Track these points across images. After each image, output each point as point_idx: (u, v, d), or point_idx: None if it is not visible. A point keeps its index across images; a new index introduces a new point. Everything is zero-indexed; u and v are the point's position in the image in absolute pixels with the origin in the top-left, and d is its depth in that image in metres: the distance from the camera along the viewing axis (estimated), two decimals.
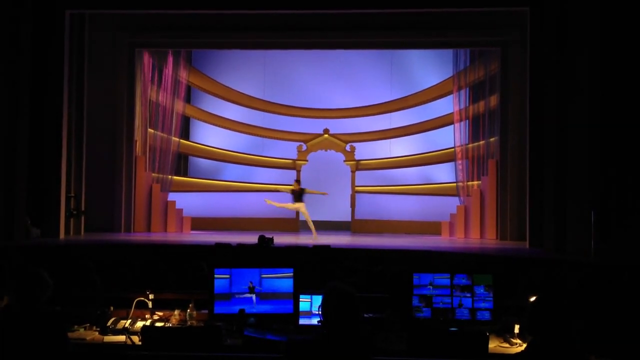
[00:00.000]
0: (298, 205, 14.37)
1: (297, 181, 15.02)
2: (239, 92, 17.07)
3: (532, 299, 3.65)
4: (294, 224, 16.30)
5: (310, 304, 4.91)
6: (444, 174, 16.75)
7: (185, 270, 7.46)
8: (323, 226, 16.73)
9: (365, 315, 4.76)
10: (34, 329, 3.94)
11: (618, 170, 9.88)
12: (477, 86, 15.35)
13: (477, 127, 15.22)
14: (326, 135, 16.94)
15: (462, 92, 15.49)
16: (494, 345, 4.56)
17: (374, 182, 16.79)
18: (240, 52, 17.03)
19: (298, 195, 14.32)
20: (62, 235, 12.45)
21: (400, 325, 4.83)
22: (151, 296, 5.15)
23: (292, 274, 5.04)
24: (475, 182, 15.12)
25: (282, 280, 5.03)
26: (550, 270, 8.84)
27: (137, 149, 14.96)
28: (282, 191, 15.00)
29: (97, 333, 4.76)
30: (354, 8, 12.68)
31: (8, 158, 11.33)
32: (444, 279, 4.91)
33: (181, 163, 17.18)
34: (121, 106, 14.45)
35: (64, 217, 12.68)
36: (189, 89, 16.87)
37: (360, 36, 14.27)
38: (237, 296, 4.97)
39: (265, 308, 4.98)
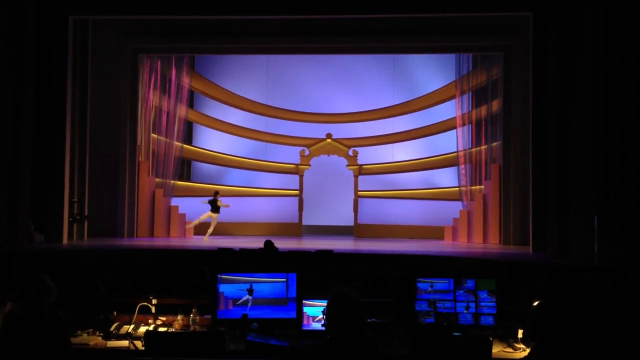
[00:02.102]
0: (214, 214, 14.95)
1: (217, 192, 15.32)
2: (241, 97, 17.12)
3: (535, 304, 3.64)
4: (297, 228, 16.31)
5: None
6: (446, 178, 16.75)
7: (188, 275, 7.45)
8: (326, 231, 16.76)
9: (369, 320, 4.75)
10: (37, 335, 3.94)
11: (621, 175, 9.87)
12: (479, 91, 15.36)
13: (479, 131, 15.22)
14: (329, 140, 16.95)
15: (465, 96, 15.51)
16: (498, 350, 4.55)
17: (377, 187, 16.80)
18: (242, 57, 17.08)
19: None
20: (65, 241, 12.45)
21: (403, 330, 4.82)
22: (154, 301, 5.15)
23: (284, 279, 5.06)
24: (478, 187, 15.10)
25: (280, 285, 5.03)
26: (553, 275, 8.83)
27: (140, 154, 14.97)
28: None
29: (100, 338, 4.76)
30: (356, 14, 12.68)
31: (11, 163, 11.35)
32: (447, 284, 4.91)
33: (184, 168, 17.20)
34: (124, 111, 14.47)
35: (67, 222, 12.68)
36: (191, 94, 16.92)
37: (363, 41, 14.27)
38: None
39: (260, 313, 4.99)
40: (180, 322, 5.02)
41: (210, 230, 14.83)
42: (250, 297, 4.99)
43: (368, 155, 16.95)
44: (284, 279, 5.06)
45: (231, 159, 17.19)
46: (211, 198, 15.00)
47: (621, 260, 9.15)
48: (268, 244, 10.72)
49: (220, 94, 17.01)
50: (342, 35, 14.03)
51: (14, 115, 11.42)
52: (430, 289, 4.91)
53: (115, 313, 5.04)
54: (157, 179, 15.43)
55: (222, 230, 15.88)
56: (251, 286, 5.01)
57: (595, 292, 5.26)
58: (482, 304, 4.86)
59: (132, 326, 4.92)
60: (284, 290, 5.04)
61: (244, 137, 17.32)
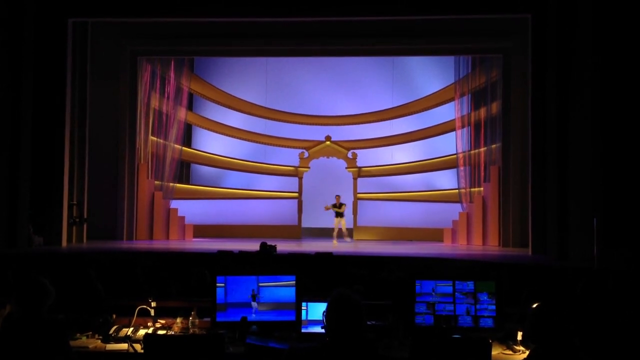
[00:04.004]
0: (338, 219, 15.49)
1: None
2: (241, 99, 17.12)
3: (534, 306, 3.64)
4: (296, 230, 16.30)
5: (306, 312, 4.90)
6: (446, 180, 16.74)
7: (187, 277, 7.44)
8: (325, 233, 16.73)
9: (368, 323, 4.74)
10: (36, 337, 3.93)
11: (620, 177, 9.88)
12: (478, 93, 15.37)
13: (478, 133, 15.22)
14: (328, 142, 16.95)
15: (464, 98, 15.51)
16: (497, 352, 4.55)
17: (376, 189, 16.79)
18: (242, 60, 17.08)
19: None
20: (64, 243, 12.45)
21: (403, 332, 4.82)
22: (153, 304, 5.13)
23: (293, 282, 5.02)
24: (477, 189, 15.10)
25: (282, 289, 5.00)
26: (553, 277, 8.83)
27: (140, 156, 14.97)
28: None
29: (99, 341, 4.74)
30: (356, 16, 12.70)
31: (11, 166, 11.36)
32: (446, 286, 4.90)
33: (183, 170, 17.19)
34: (123, 114, 14.48)
35: (67, 225, 12.68)
36: (191, 97, 16.91)
37: (362, 43, 14.29)
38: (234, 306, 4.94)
39: (266, 317, 4.96)
40: (180, 324, 5.01)
41: (334, 233, 15.24)
42: (255, 303, 4.97)
43: (367, 158, 16.95)
44: (289, 282, 5.04)
45: (230, 162, 17.19)
46: (334, 203, 15.34)
47: (621, 262, 9.16)
48: (263, 246, 10.77)
49: (220, 97, 17.01)
50: (341, 38, 14.05)
51: (14, 118, 11.43)
52: (429, 291, 4.90)
53: (114, 316, 5.03)
54: (156, 182, 15.42)
55: (220, 232, 15.89)
56: (253, 291, 4.99)
57: (595, 294, 5.25)
58: (481, 306, 4.85)
59: (131, 329, 4.91)
60: (289, 293, 5.02)
61: (243, 139, 17.32)
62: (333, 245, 14.16)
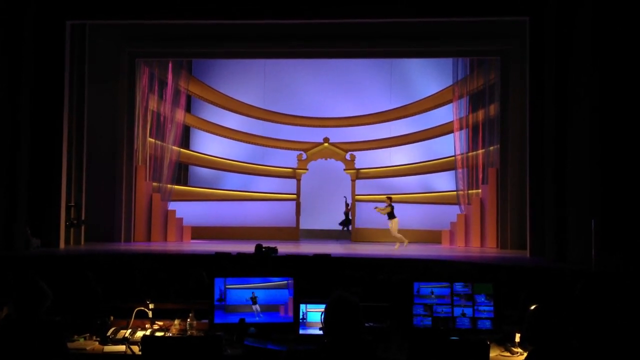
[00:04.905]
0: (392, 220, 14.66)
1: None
2: (239, 101, 17.13)
3: (532, 308, 3.64)
4: (294, 232, 16.29)
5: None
6: (444, 182, 16.76)
7: (185, 279, 7.44)
8: (323, 235, 16.76)
9: (366, 325, 4.74)
10: (33, 339, 3.93)
11: (618, 179, 9.88)
12: (476, 95, 15.38)
13: (476, 135, 15.23)
14: (326, 144, 16.96)
15: (462, 100, 15.52)
16: (495, 354, 4.55)
17: (374, 191, 16.80)
18: (240, 62, 17.10)
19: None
20: (62, 245, 12.43)
21: (401, 334, 4.82)
22: (151, 306, 5.13)
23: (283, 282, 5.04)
24: (475, 191, 15.11)
25: (277, 290, 5.01)
26: (551, 279, 8.83)
27: (138, 158, 14.96)
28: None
29: (97, 343, 4.74)
30: (354, 18, 12.71)
31: (9, 168, 11.34)
32: (444, 288, 4.90)
33: (181, 172, 17.19)
34: (121, 115, 14.46)
35: (64, 226, 12.66)
36: (189, 98, 16.92)
37: (360, 45, 14.29)
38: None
39: (264, 319, 4.96)
40: (178, 326, 5.00)
41: (397, 235, 14.49)
42: (256, 306, 4.97)
43: (365, 160, 16.96)
44: (285, 283, 5.04)
45: (228, 163, 17.19)
46: (384, 205, 14.71)
47: (619, 264, 9.16)
48: (258, 248, 10.78)
49: (218, 98, 17.01)
50: (340, 40, 14.04)
51: (12, 120, 11.41)
52: (427, 293, 4.90)
53: (112, 318, 5.03)
54: (154, 184, 15.41)
55: (218, 234, 15.88)
56: (253, 293, 4.99)
57: (593, 295, 5.26)
58: (479, 308, 4.86)
59: (129, 331, 4.91)
60: (286, 295, 5.03)
61: (241, 141, 17.32)
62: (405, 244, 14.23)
